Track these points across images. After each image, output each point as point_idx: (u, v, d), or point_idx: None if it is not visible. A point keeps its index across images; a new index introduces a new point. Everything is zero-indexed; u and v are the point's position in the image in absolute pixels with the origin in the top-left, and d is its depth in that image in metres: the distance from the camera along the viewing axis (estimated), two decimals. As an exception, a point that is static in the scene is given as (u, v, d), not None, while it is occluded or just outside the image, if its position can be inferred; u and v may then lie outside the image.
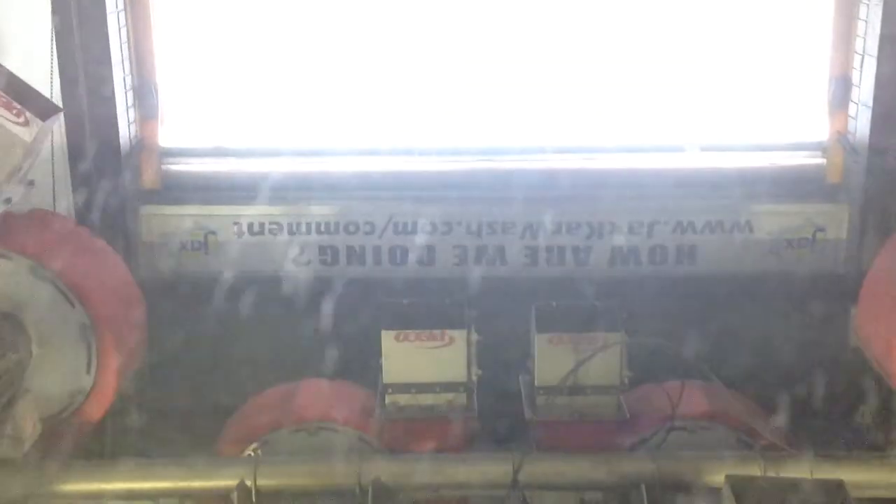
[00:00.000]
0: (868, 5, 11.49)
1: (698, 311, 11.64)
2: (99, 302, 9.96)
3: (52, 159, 11.11)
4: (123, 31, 11.70)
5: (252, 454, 10.14)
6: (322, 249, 12.12)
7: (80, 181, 11.60)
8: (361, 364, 10.64)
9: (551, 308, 10.24)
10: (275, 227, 12.05)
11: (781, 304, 11.85)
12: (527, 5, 11.71)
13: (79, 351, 9.90)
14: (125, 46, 11.76)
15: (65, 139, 11.34)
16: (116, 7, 11.55)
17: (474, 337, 10.07)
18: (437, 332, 10.07)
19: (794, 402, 10.70)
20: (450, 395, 10.20)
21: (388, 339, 9.99)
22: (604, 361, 10.08)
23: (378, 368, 10.20)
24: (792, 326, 11.80)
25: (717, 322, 11.62)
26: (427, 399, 10.20)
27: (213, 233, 12.04)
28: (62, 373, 9.95)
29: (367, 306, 11.06)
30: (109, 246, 10.68)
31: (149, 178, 12.23)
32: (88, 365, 9.96)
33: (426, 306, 10.23)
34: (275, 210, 11.93)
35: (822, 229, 12.06)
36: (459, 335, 10.06)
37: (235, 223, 12.03)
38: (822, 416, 11.26)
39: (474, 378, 10.11)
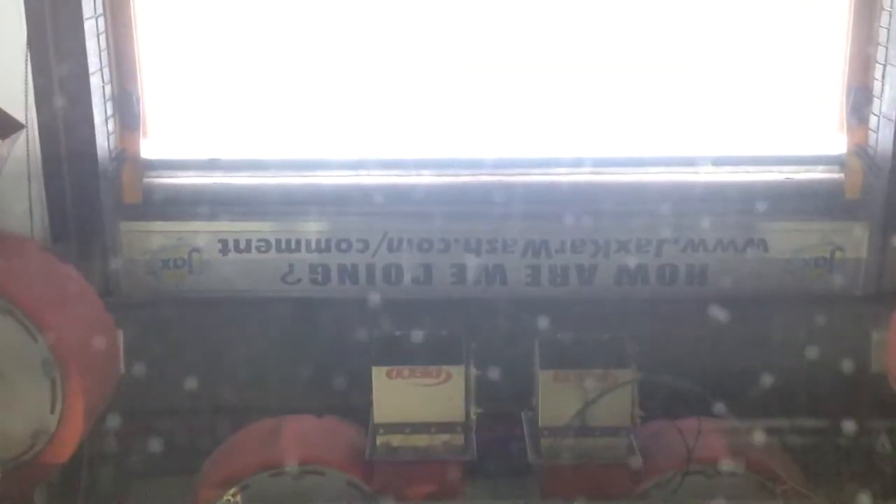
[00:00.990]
0: (890, 13, 10.48)
1: (709, 334, 10.58)
2: (64, 335, 8.80)
3: (29, 174, 10.17)
4: (102, 37, 10.59)
5: (231, 499, 9.03)
6: (313, 268, 10.98)
7: (56, 196, 10.51)
8: (353, 396, 9.69)
9: (556, 341, 9.19)
10: (262, 244, 10.93)
11: (798, 326, 10.73)
12: (529, 13, 10.76)
13: (42, 388, 8.77)
14: (104, 54, 10.65)
15: (39, 152, 10.24)
16: (95, 12, 10.42)
17: (473, 372, 9.04)
18: (432, 368, 9.04)
19: (812, 430, 10.06)
20: (446, 436, 9.18)
21: (379, 375, 8.98)
22: (613, 400, 9.03)
23: (370, 403, 9.16)
24: (809, 350, 10.59)
25: (729, 345, 10.73)
26: (421, 440, 9.20)
27: (198, 250, 10.89)
28: (24, 412, 8.81)
29: (360, 330, 10.20)
30: (79, 272, 9.60)
31: (130, 192, 11.06)
32: (53, 404, 8.81)
33: (421, 339, 9.21)
34: (263, 226, 10.86)
35: (840, 248, 10.95)
36: (457, 371, 9.05)
37: (221, 240, 10.87)
38: (841, 445, 10.42)
39: (473, 417, 9.10)
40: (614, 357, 9.07)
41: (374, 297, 10.82)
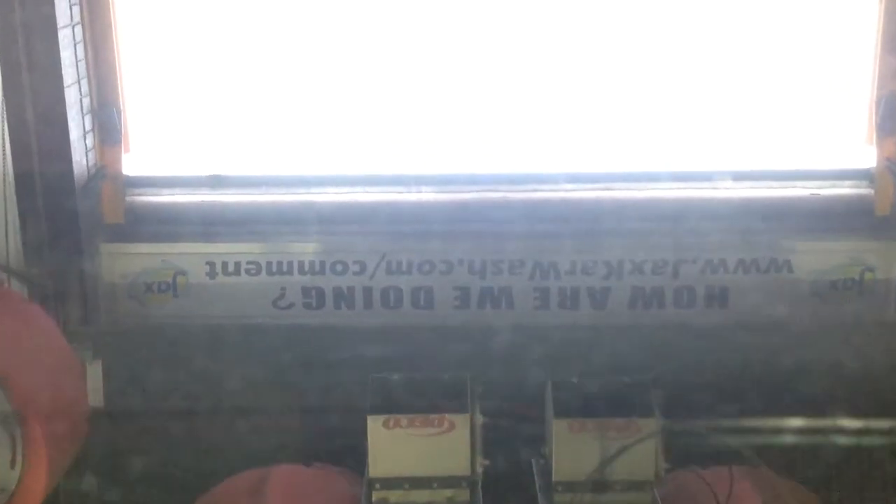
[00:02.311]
0: (922, 18, 9.46)
1: (730, 361, 9.57)
2: (26, 385, 7.68)
3: (4, 194, 9.24)
4: (80, 46, 9.59)
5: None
6: (306, 291, 9.93)
7: (30, 217, 9.49)
8: (349, 434, 8.34)
9: (571, 386, 8.07)
10: (252, 266, 9.89)
11: (825, 354, 9.61)
12: (536, 20, 9.86)
13: (1, 443, 7.60)
14: (82, 64, 9.65)
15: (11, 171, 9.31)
16: (71, 20, 9.41)
17: (479, 420, 7.89)
18: (433, 416, 7.83)
19: (845, 471, 9.24)
20: (450, 492, 7.92)
21: (375, 425, 7.82)
22: (636, 452, 7.76)
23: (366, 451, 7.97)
24: (837, 380, 9.59)
25: (751, 373, 9.62)
26: (422, 496, 7.91)
27: (183, 273, 9.87)
28: (-19, 468, 7.57)
29: (356, 360, 9.24)
30: (45, 313, 8.64)
31: (110, 212, 10.01)
32: (13, 459, 7.68)
33: (421, 384, 8.06)
34: (253, 247, 9.85)
35: (870, 269, 9.84)
36: (461, 420, 7.83)
37: (208, 262, 9.84)
38: (877, 487, 9.40)
39: (479, 470, 7.91)
40: (636, 404, 7.89)
41: (373, 324, 9.94)
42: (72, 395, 8.23)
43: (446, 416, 7.82)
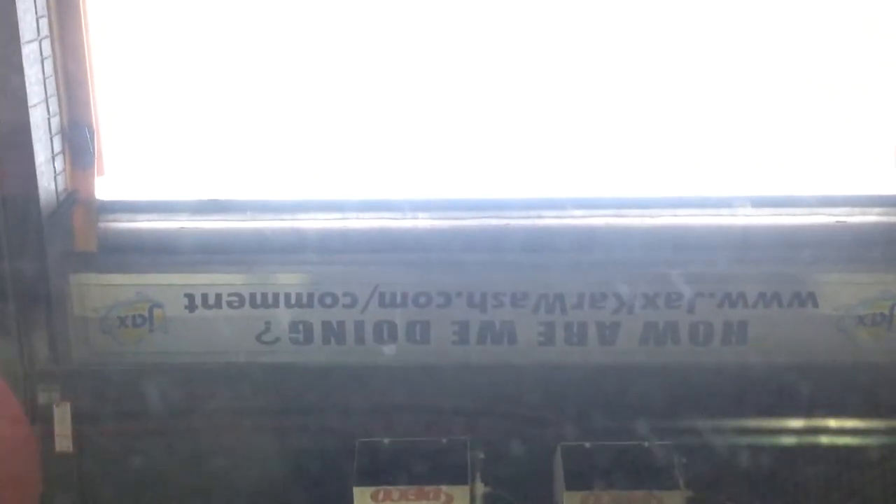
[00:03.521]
0: (954, 36, 8.82)
1: (749, 403, 8.94)
2: None
3: None
4: (48, 62, 8.71)
5: None
6: (293, 326, 9.11)
7: None
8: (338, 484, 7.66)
9: (582, 452, 7.15)
10: (235, 298, 9.05)
11: (852, 395, 8.93)
12: (544, 42, 9.03)
13: None
14: (50, 81, 8.77)
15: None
16: (38, 34, 8.53)
17: (480, 489, 6.95)
18: (428, 489, 6.85)
19: None
20: None
21: (362, 498, 6.88)
22: None
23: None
24: (865, 424, 9.01)
25: (772, 416, 9.06)
26: None
27: (160, 306, 9.07)
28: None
29: (346, 401, 8.76)
30: None
31: (82, 239, 9.19)
32: None
33: (414, 449, 7.17)
34: (235, 278, 9.04)
35: None
36: (459, 493, 6.87)
37: (187, 294, 9.05)
38: None
39: None
40: (658, 473, 6.98)
41: (364, 362, 9.11)
42: (24, 469, 7.80)
43: (443, 488, 6.97)
